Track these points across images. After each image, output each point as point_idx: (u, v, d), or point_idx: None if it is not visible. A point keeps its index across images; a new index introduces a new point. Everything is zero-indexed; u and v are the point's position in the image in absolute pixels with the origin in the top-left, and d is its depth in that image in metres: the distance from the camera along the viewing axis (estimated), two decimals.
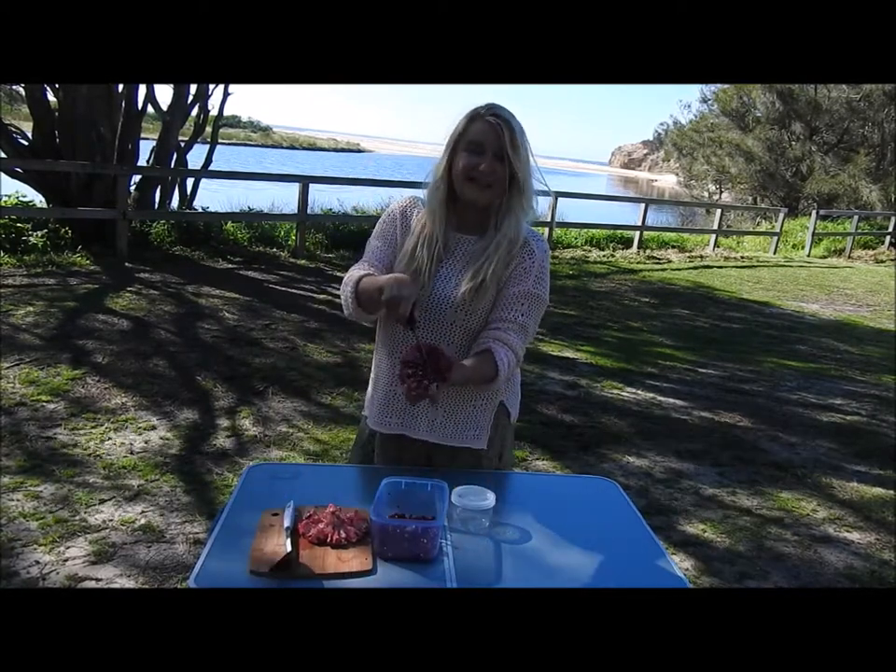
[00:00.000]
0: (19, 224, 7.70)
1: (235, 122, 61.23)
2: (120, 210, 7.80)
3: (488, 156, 1.62)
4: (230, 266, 8.29)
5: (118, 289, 6.58)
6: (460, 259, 1.71)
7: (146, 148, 9.19)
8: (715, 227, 13.93)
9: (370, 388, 1.87)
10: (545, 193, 1.76)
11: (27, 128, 8.37)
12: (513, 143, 1.62)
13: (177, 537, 2.86)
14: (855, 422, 4.97)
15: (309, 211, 9.52)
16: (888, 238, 15.83)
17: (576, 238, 12.59)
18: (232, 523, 1.47)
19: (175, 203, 9.76)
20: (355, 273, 1.71)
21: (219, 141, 10.68)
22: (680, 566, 2.88)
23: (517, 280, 1.69)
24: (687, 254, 12.98)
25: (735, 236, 15.46)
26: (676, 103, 51.20)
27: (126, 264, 7.59)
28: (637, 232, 12.66)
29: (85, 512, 2.96)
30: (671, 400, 5.04)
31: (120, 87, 8.32)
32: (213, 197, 10.77)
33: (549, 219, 11.53)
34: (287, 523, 1.41)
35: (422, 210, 1.76)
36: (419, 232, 1.72)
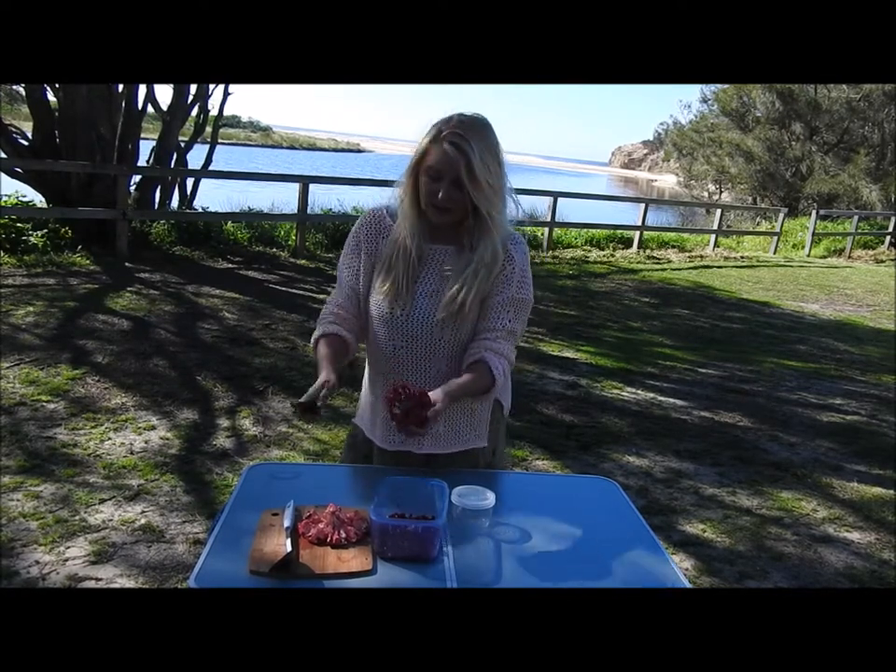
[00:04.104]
0: (19, 224, 7.70)
1: (235, 122, 61.26)
2: (120, 210, 7.80)
3: (445, 183, 1.57)
4: (230, 266, 8.29)
5: (118, 289, 6.58)
6: (436, 272, 1.68)
7: (146, 148, 9.20)
8: (715, 227, 13.93)
9: (367, 407, 1.86)
10: (518, 222, 1.72)
11: (27, 128, 8.37)
12: (471, 173, 1.54)
13: (177, 537, 2.86)
14: (855, 422, 4.97)
15: (309, 211, 9.53)
16: (888, 238, 15.84)
17: (576, 238, 12.59)
18: (232, 523, 1.47)
19: (175, 202, 9.76)
20: (326, 312, 1.76)
21: (219, 141, 10.69)
22: (680, 566, 2.88)
23: (501, 288, 1.67)
24: (687, 254, 12.98)
25: (735, 236, 15.47)
26: (676, 103, 51.16)
27: (126, 264, 7.59)
28: (637, 232, 12.66)
29: (85, 512, 2.96)
30: (671, 400, 5.04)
31: (120, 87, 8.33)
32: (213, 197, 10.77)
33: (549, 219, 11.53)
34: (287, 523, 1.41)
35: (387, 219, 1.73)
36: (395, 241, 1.69)
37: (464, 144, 1.54)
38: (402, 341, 1.69)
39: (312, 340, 1.73)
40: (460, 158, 1.54)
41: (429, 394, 1.54)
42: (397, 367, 1.72)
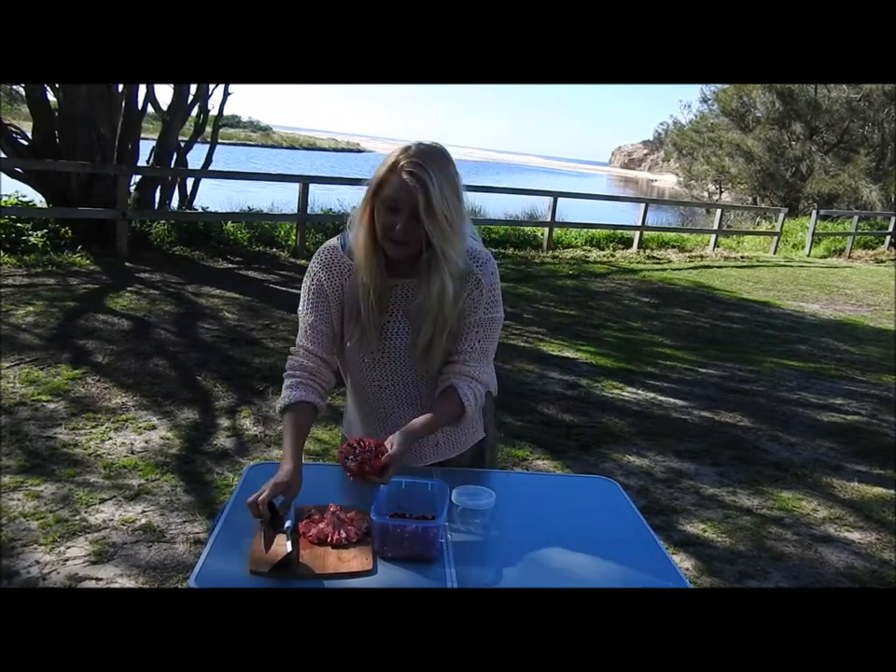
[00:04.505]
0: (19, 224, 7.71)
1: (235, 122, 61.25)
2: (120, 210, 7.80)
3: (404, 215, 1.49)
4: (230, 266, 8.29)
5: (118, 289, 6.59)
6: (402, 310, 1.64)
7: (146, 148, 9.20)
8: (715, 227, 13.93)
9: (357, 426, 1.84)
10: (475, 258, 1.62)
11: (27, 128, 8.37)
12: (429, 205, 1.46)
13: (178, 537, 2.86)
14: (855, 422, 4.97)
15: (309, 211, 9.53)
16: (888, 238, 15.83)
17: (576, 238, 12.60)
18: (233, 522, 1.47)
19: (175, 203, 9.76)
20: (294, 364, 1.66)
21: (219, 141, 10.68)
22: (680, 566, 2.88)
23: (469, 311, 1.63)
24: (687, 254, 12.98)
25: (735, 236, 15.47)
26: (676, 103, 51.16)
27: (126, 264, 7.60)
28: (637, 232, 12.66)
29: (85, 512, 2.96)
30: (671, 400, 5.04)
31: (120, 87, 8.33)
32: (213, 197, 10.77)
33: (549, 219, 11.54)
34: (287, 523, 1.41)
35: (345, 258, 1.65)
36: (356, 284, 1.63)
37: (423, 174, 1.46)
38: (386, 381, 1.70)
39: (278, 406, 1.64)
40: (419, 188, 1.46)
41: (386, 441, 1.52)
42: (386, 399, 1.73)
